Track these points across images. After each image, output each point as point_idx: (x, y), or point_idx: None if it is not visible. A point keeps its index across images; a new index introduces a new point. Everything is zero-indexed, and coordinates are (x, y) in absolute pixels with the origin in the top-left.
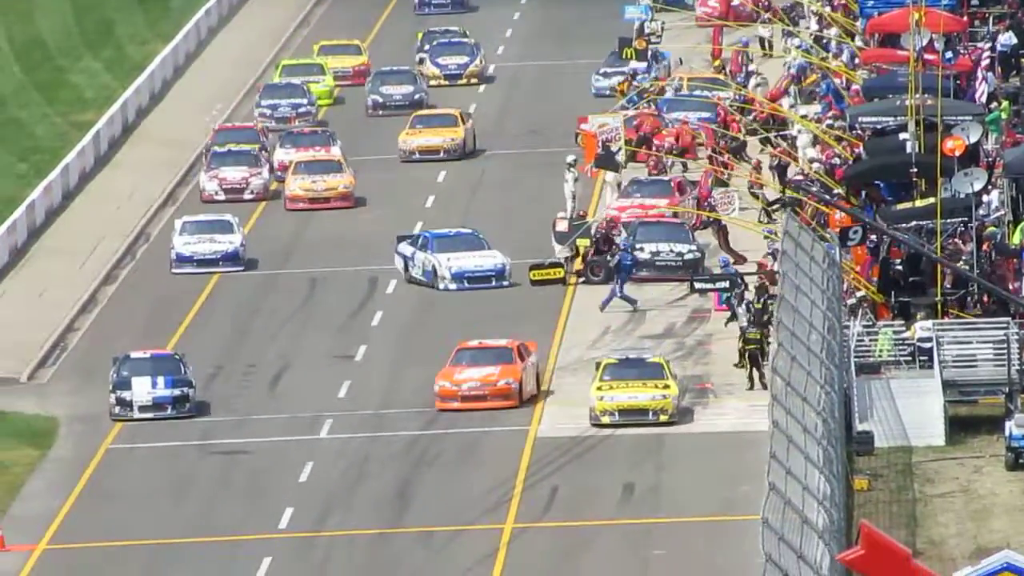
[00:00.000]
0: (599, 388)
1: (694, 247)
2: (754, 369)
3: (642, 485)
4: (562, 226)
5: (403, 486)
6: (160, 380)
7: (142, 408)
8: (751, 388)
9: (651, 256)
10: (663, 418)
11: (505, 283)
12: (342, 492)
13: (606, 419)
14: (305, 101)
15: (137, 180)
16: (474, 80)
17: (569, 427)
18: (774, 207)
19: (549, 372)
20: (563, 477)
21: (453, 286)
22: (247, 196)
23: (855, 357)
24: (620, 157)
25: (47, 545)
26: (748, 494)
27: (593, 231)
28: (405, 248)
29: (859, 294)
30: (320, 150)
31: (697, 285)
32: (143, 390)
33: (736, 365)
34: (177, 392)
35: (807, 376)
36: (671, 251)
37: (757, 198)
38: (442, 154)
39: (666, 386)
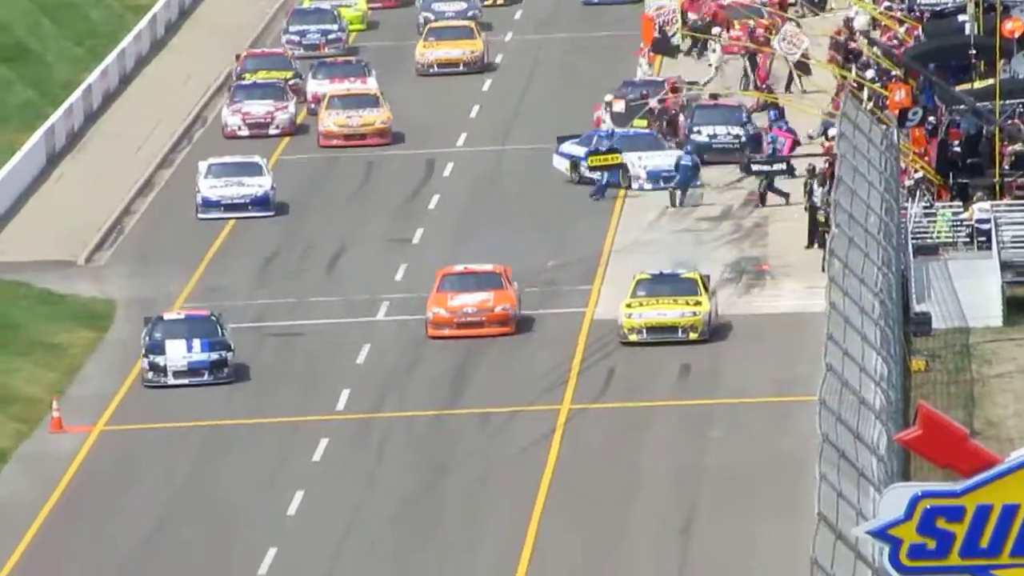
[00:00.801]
0: (629, 305)
1: (750, 128)
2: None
3: (699, 366)
4: (619, 107)
5: (459, 368)
6: (196, 343)
7: (177, 374)
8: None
9: (708, 139)
10: (692, 336)
11: (697, 183)
12: (399, 374)
13: (634, 337)
14: (336, 27)
15: (193, 64)
16: None
17: None
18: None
19: (606, 255)
20: (620, 358)
21: (648, 186)
22: (272, 131)
23: (913, 239)
24: (676, 40)
25: (104, 427)
26: (805, 375)
27: (656, 112)
28: (572, 148)
29: (917, 175)
30: (356, 81)
31: (754, 168)
32: (178, 354)
33: (807, 247)
34: (215, 356)
35: (864, 258)
36: (728, 134)
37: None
38: (461, 67)
39: (697, 303)
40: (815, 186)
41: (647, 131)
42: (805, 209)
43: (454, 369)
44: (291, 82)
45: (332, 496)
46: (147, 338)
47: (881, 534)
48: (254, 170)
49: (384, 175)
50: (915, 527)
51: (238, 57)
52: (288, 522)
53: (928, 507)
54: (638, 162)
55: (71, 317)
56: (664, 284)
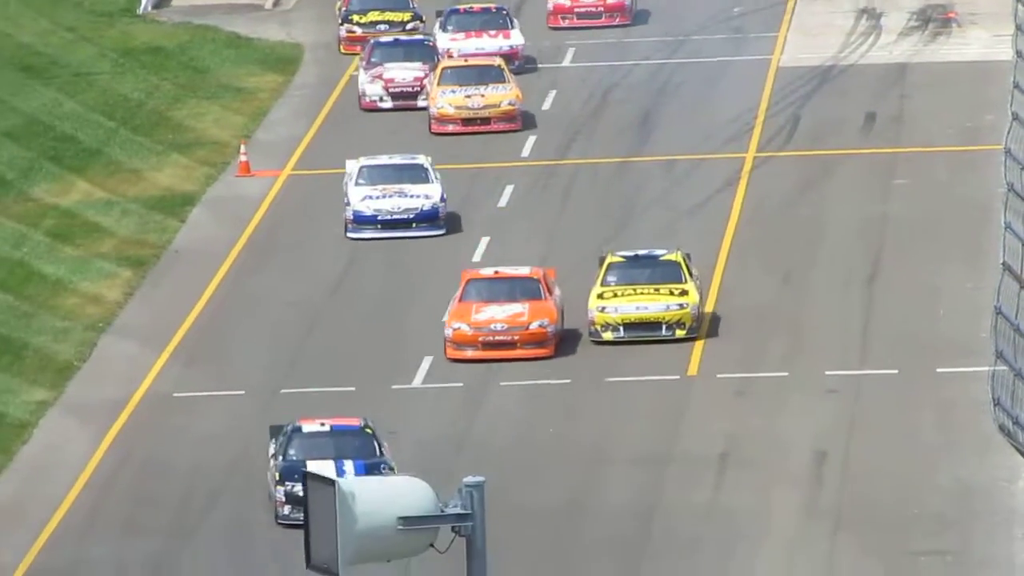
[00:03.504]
0: (600, 296)
1: None
2: None
3: (884, 114)
4: None
5: (646, 115)
6: (348, 466)
7: None
8: None
9: None
10: (680, 333)
11: None
12: (585, 120)
13: (608, 335)
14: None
15: None
16: None
17: (811, 56)
18: None
19: (792, 1)
20: (806, 106)
21: None
22: (421, 103)
23: None
24: None
25: (291, 171)
26: (992, 123)
27: None
28: None
29: None
30: (497, 35)
31: None
32: None
33: None
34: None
35: None
36: None
37: None
38: None
39: (683, 292)
40: None
41: None
42: None
43: (640, 115)
44: (410, 27)
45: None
46: (279, 456)
47: None
48: (418, 174)
49: None
50: None
51: None
52: None
53: None
54: None
55: (258, 61)
56: (641, 268)
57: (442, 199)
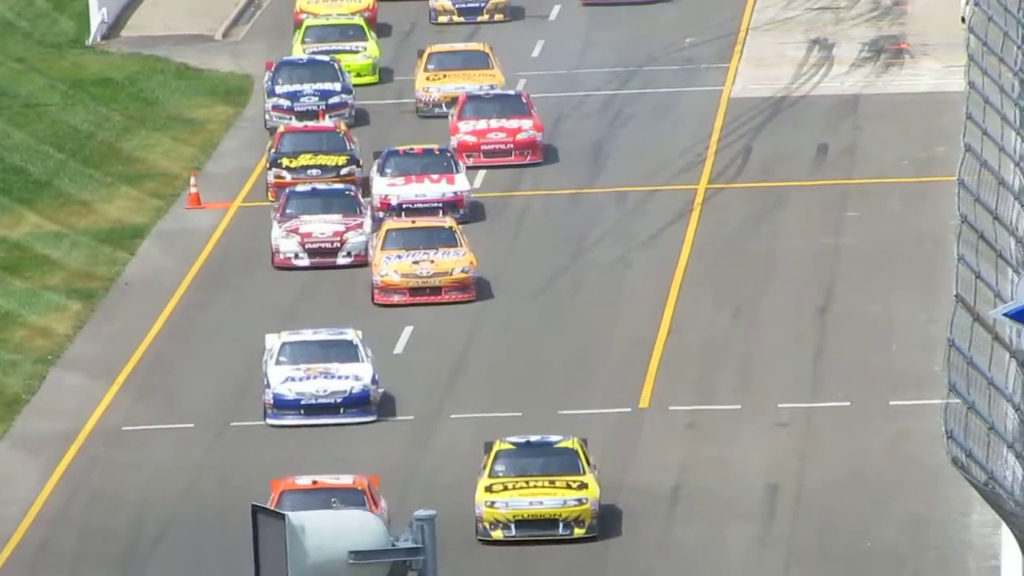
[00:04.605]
0: (488, 489)
1: None
2: None
3: (837, 145)
4: None
5: (598, 146)
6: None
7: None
8: None
9: None
10: (578, 531)
11: None
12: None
13: (498, 533)
14: (338, 85)
15: None
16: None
17: (763, 87)
18: None
19: (743, 32)
20: (757, 138)
21: None
22: (342, 260)
23: None
24: None
25: (242, 203)
26: (944, 155)
27: None
28: None
29: None
30: (439, 179)
31: None
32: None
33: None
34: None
35: (1004, 36)
36: None
37: None
38: None
39: (581, 485)
40: None
41: None
42: None
43: (592, 146)
44: (345, 171)
45: None
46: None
47: (1019, 316)
48: (345, 351)
49: None
50: None
51: (276, 135)
52: None
53: None
54: None
55: (208, 92)
56: (533, 457)
57: (374, 380)
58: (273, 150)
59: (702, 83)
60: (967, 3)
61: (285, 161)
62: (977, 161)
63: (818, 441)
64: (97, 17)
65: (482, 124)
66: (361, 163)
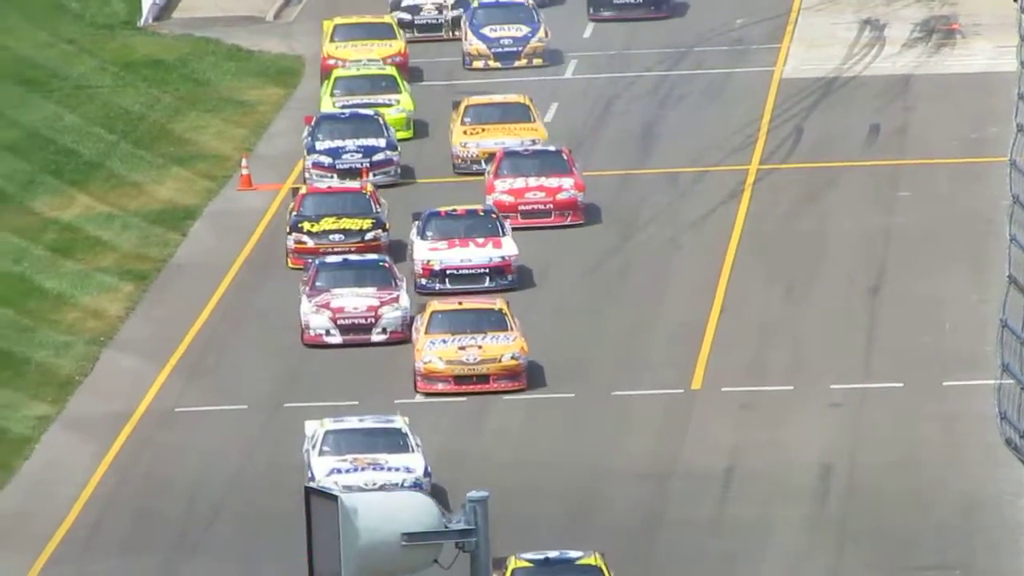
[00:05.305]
0: None
1: None
2: None
3: (888, 126)
4: None
5: (648, 127)
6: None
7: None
8: None
9: None
10: None
11: None
12: (586, 132)
13: None
14: (383, 141)
15: None
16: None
17: (814, 68)
18: None
19: (795, 12)
20: (809, 118)
21: None
22: (377, 337)
23: None
24: None
25: (293, 184)
26: (996, 135)
27: None
28: None
29: None
30: (484, 243)
31: None
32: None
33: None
34: None
35: None
36: None
37: None
38: None
39: None
40: None
41: None
42: None
43: (643, 127)
44: (370, 236)
45: None
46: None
47: None
48: (393, 442)
49: None
50: None
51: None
52: None
53: None
54: None
55: (259, 73)
56: (552, 575)
57: (426, 473)
58: (294, 213)
59: (753, 64)
60: None
61: (306, 225)
62: None
63: (871, 422)
64: None
65: (520, 182)
66: (388, 227)
